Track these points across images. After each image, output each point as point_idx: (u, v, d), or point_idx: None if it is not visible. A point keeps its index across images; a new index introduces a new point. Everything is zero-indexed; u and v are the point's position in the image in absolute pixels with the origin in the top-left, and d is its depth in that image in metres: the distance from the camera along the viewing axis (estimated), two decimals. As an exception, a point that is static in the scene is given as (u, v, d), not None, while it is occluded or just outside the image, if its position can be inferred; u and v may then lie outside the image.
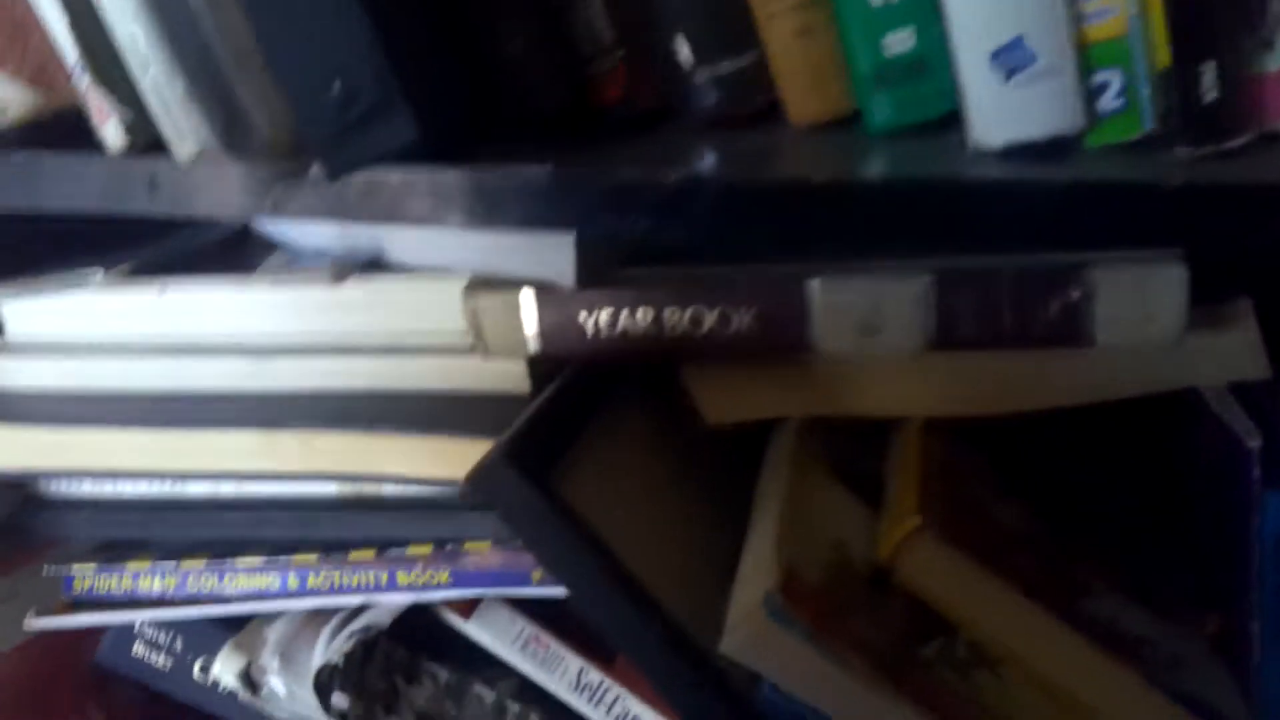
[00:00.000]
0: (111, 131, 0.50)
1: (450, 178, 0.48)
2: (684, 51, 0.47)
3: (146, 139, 0.50)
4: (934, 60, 0.45)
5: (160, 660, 0.62)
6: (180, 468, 0.56)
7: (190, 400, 0.57)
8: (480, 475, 0.47)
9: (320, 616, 0.58)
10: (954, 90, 0.44)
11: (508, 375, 0.53)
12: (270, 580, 0.57)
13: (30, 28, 0.47)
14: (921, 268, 0.48)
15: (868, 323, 0.48)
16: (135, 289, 0.58)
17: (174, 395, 0.58)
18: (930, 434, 0.55)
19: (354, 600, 0.56)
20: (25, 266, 0.60)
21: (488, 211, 0.47)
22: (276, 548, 0.57)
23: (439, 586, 0.55)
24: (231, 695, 0.60)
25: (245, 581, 0.57)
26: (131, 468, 0.57)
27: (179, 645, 0.61)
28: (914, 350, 0.49)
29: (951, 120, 0.45)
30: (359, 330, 0.56)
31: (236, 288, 0.57)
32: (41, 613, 0.60)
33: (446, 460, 0.51)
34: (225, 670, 0.58)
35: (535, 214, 0.47)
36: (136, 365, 0.58)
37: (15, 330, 0.60)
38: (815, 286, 0.49)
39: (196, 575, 0.58)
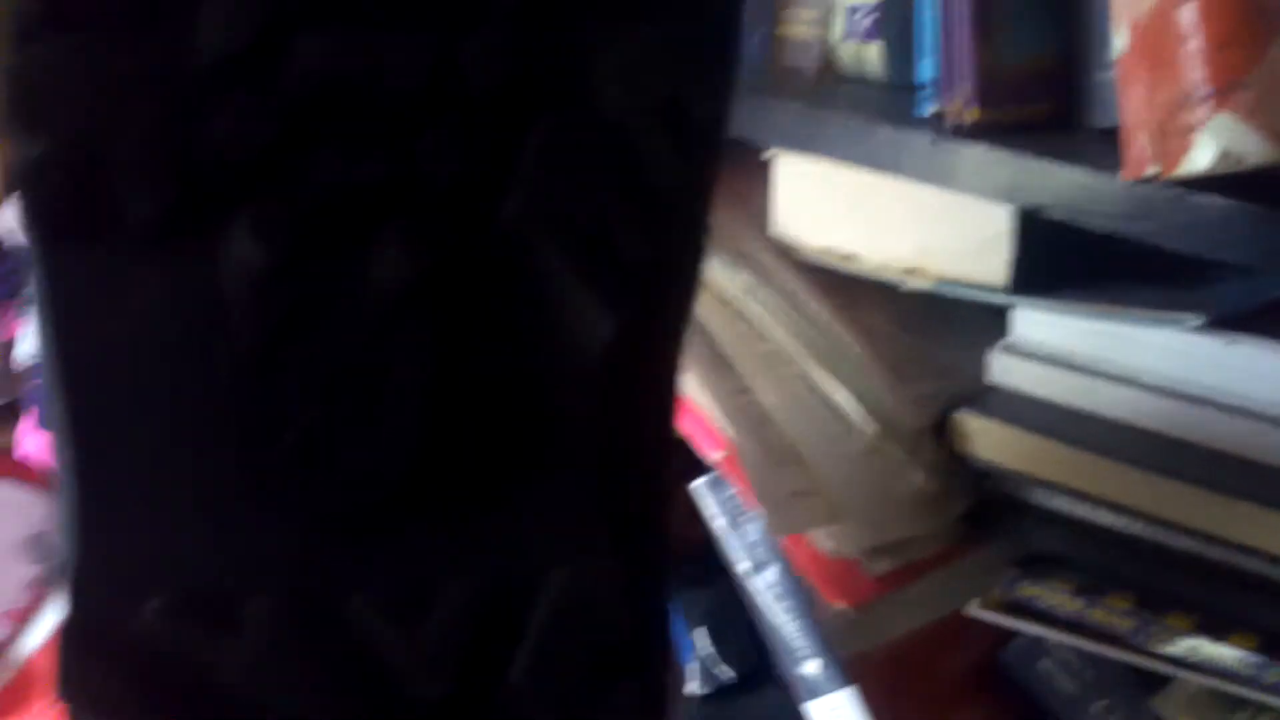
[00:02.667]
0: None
1: None
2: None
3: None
4: None
5: (1063, 685, 0.62)
6: (1177, 520, 0.54)
7: (1214, 458, 0.54)
8: None
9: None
10: None
11: None
12: (1197, 649, 0.54)
13: None
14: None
15: None
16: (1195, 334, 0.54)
17: (1188, 445, 0.55)
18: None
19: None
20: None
21: None
22: (1212, 620, 0.54)
23: None
24: None
25: (1164, 641, 0.55)
26: (1127, 503, 0.55)
27: (1086, 678, 0.61)
28: None
29: None
30: None
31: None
32: (984, 605, 0.61)
33: None
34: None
35: None
36: (1156, 404, 0.56)
37: (1025, 334, 0.60)
38: None
39: (1118, 614, 0.57)
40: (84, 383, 0.26)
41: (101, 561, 0.26)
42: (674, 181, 0.28)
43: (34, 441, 1.21)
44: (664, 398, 0.30)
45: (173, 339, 0.26)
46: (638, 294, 0.27)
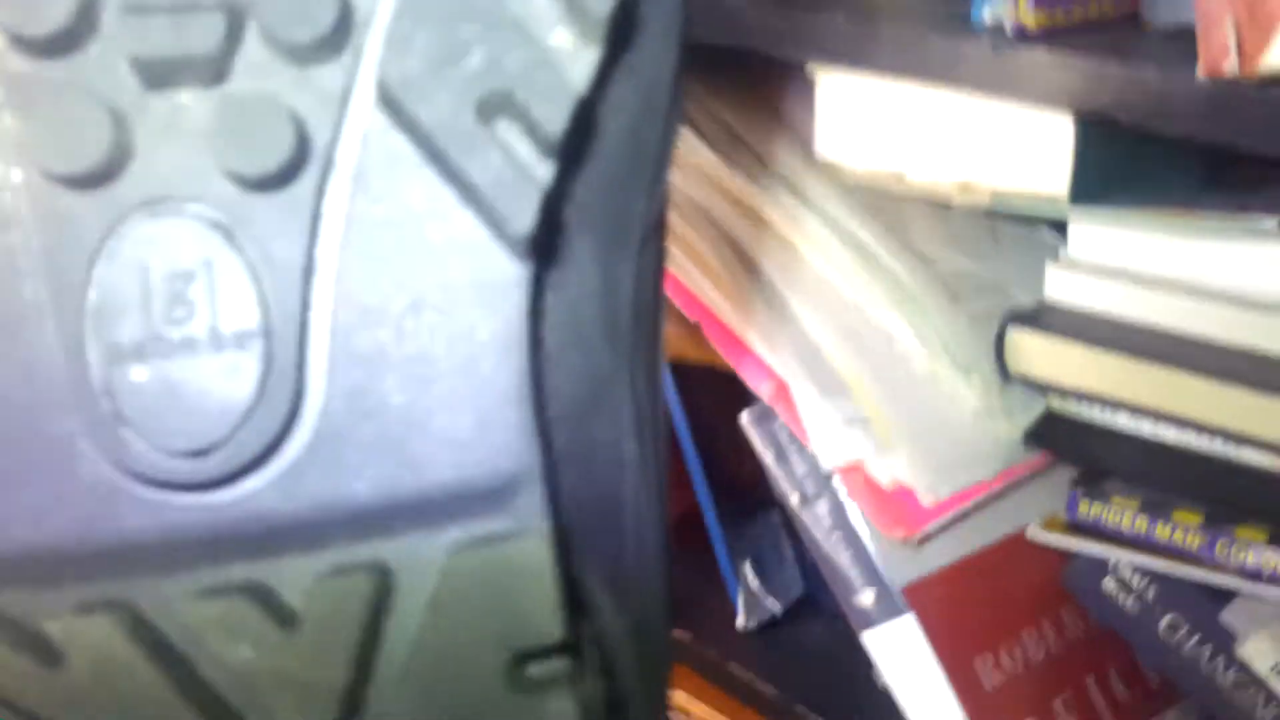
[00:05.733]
0: None
1: None
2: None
3: None
4: None
5: (1127, 603, 0.61)
6: (1245, 431, 0.52)
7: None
8: None
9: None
10: None
11: None
12: (1270, 560, 0.54)
13: None
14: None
15: None
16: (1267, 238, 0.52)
17: (1256, 353, 0.52)
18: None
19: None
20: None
21: None
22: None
23: None
24: (1192, 661, 0.59)
25: (1239, 554, 0.55)
26: (1193, 416, 0.53)
27: (1150, 595, 0.60)
28: None
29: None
30: None
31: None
32: (1046, 526, 0.62)
33: None
34: (1258, 658, 0.56)
35: None
36: (1222, 314, 0.53)
37: (1083, 247, 0.58)
38: None
39: (1186, 530, 0.56)
40: None
41: None
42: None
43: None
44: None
45: None
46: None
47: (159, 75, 0.21)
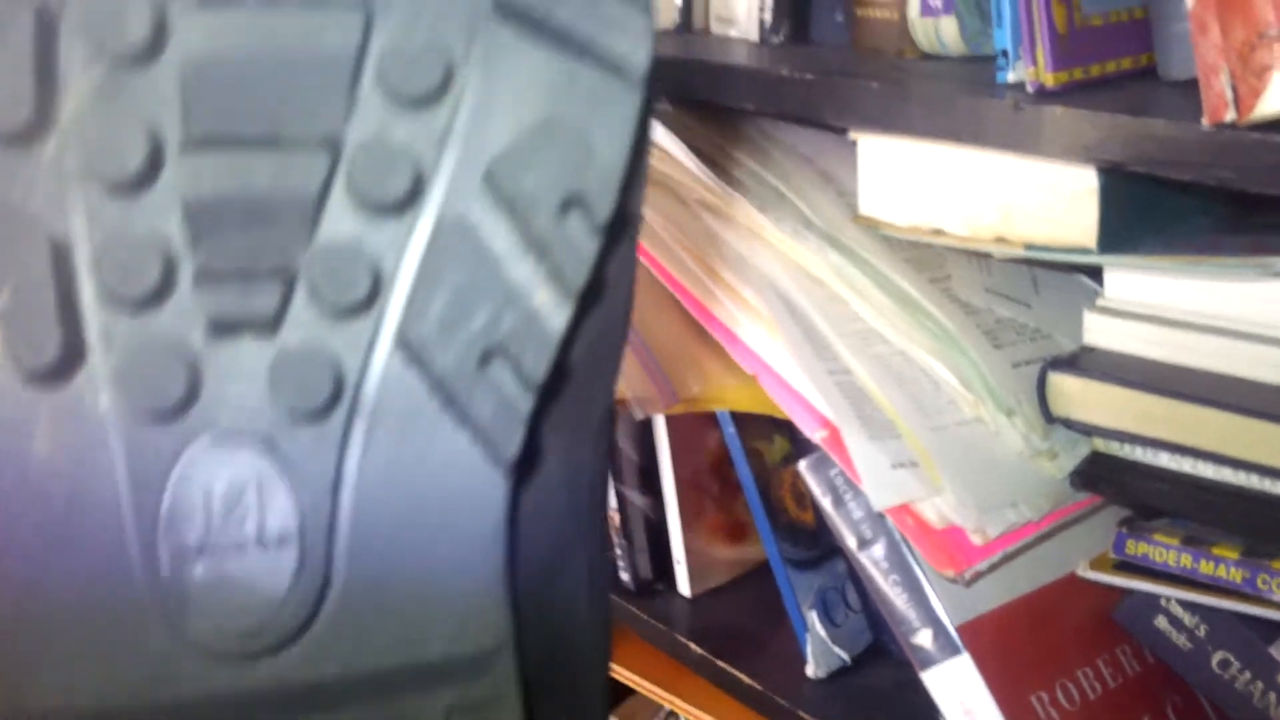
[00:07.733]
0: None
1: None
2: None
3: None
4: None
5: (1180, 640, 0.63)
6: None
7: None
8: None
9: None
10: None
11: None
12: None
13: None
14: None
15: None
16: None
17: None
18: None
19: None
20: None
21: None
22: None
23: None
24: (1246, 696, 0.61)
25: (1276, 588, 0.56)
26: (1230, 452, 0.56)
27: (1201, 632, 0.63)
28: None
29: None
30: None
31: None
32: (1095, 565, 0.64)
33: None
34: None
35: None
36: (1253, 352, 0.56)
37: (1117, 292, 0.61)
38: None
39: (1227, 565, 0.58)
40: None
41: None
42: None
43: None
44: None
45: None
46: None
47: (225, 328, 0.26)
